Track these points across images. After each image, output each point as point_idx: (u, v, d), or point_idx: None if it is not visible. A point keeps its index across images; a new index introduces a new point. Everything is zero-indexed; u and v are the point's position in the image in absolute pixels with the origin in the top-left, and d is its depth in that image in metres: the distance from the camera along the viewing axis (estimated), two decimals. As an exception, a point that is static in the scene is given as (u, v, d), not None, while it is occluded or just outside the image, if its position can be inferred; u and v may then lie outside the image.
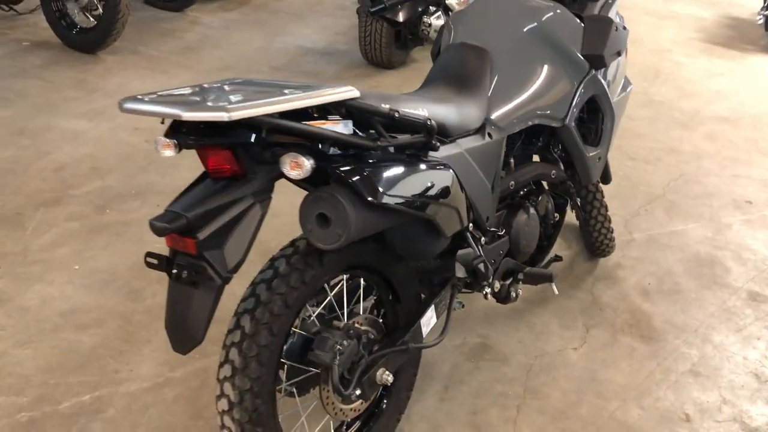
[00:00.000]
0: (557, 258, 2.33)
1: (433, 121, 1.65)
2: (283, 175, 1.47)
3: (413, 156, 1.66)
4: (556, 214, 2.46)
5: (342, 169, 1.45)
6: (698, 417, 2.20)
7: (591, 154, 2.30)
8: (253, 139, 1.37)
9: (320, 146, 1.47)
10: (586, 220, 2.69)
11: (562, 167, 2.32)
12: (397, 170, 1.55)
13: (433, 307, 1.88)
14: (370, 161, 1.53)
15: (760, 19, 7.06)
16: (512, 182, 2.13)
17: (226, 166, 1.43)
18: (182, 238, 1.39)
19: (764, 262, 3.11)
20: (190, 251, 1.39)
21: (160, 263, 1.45)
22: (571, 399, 2.22)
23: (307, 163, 1.38)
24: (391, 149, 1.61)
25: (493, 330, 2.49)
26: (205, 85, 1.50)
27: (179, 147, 1.45)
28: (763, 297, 2.86)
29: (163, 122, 1.47)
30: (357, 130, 1.52)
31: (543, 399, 2.21)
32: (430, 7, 4.69)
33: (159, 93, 1.41)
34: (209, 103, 1.28)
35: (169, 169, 3.35)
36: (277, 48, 5.32)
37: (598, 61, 2.19)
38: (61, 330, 2.32)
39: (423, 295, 1.93)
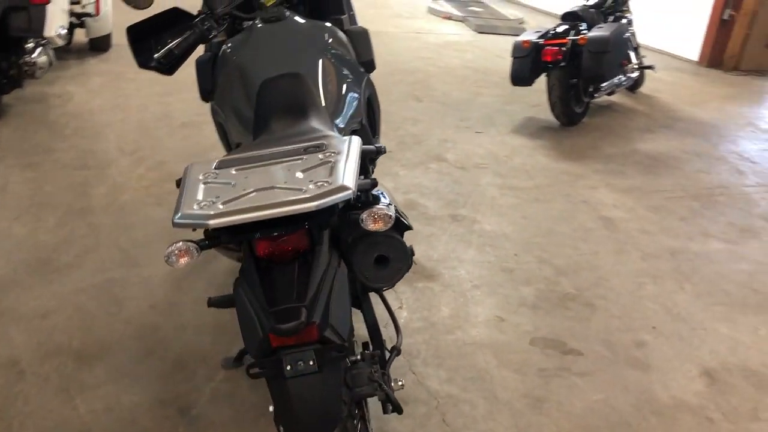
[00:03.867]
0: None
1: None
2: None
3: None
4: None
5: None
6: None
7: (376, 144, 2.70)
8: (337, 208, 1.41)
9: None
10: None
11: None
12: (388, 196, 1.73)
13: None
14: (377, 196, 1.66)
15: None
16: None
17: (299, 245, 1.42)
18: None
19: (437, 192, 3.99)
20: (313, 339, 1.35)
21: (270, 368, 1.36)
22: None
23: (393, 213, 1.45)
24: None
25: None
26: (217, 171, 1.43)
27: (201, 250, 1.39)
28: (461, 216, 3.71)
29: (194, 230, 1.38)
30: None
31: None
32: (29, 45, 4.23)
33: (206, 201, 1.32)
34: (312, 186, 1.28)
35: None
36: None
37: (369, 66, 2.55)
38: None
39: None
